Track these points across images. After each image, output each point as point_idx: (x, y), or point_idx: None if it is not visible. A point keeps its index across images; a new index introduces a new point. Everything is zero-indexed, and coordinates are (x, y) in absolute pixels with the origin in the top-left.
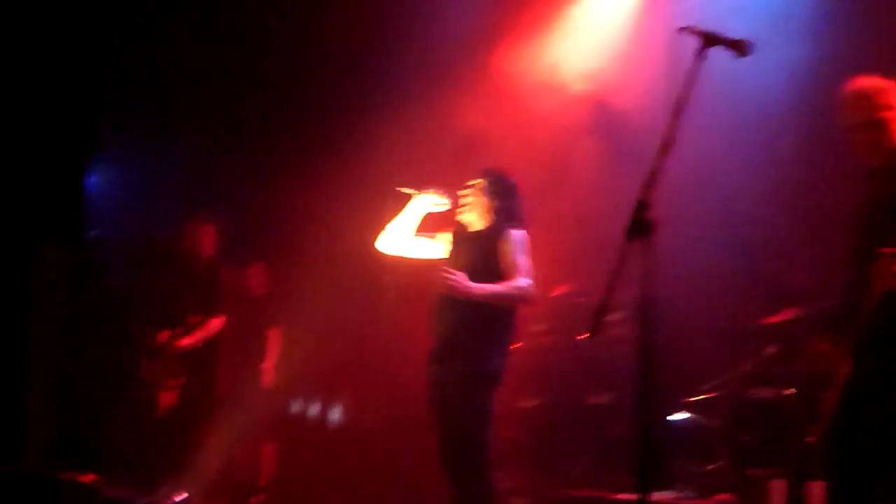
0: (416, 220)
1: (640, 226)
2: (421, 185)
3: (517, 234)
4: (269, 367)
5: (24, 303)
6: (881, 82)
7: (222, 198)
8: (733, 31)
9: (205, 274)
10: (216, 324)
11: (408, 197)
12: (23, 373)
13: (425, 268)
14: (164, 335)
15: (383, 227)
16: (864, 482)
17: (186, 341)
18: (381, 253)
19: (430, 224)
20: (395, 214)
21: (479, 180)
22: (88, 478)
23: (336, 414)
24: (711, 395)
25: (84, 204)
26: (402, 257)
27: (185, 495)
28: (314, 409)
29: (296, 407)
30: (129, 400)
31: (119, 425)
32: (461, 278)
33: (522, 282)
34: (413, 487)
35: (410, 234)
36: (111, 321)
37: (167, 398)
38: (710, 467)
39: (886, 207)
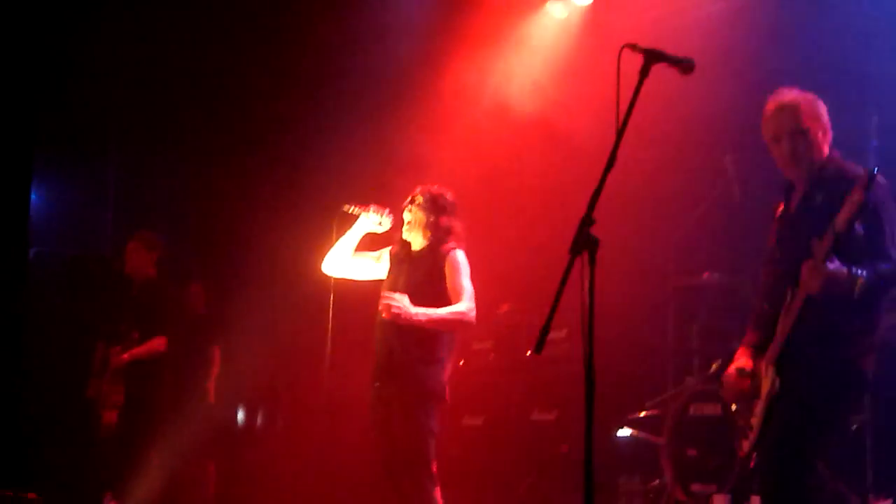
0: (357, 240)
1: (584, 242)
2: (364, 205)
3: (459, 257)
4: (212, 386)
5: None
6: (806, 95)
7: (164, 217)
8: (679, 50)
9: (146, 292)
10: (157, 342)
11: (352, 217)
12: None
13: (368, 287)
14: (107, 353)
15: (327, 248)
16: (794, 495)
17: (126, 357)
18: (325, 274)
19: (371, 243)
20: (338, 235)
21: (419, 197)
22: (30, 495)
23: (277, 424)
24: (655, 411)
25: (25, 222)
26: (345, 278)
27: None
28: (257, 421)
29: (238, 419)
30: (71, 417)
31: (61, 443)
32: (404, 304)
33: (464, 306)
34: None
35: (351, 254)
36: (52, 338)
37: (110, 416)
38: (654, 483)
39: (808, 218)
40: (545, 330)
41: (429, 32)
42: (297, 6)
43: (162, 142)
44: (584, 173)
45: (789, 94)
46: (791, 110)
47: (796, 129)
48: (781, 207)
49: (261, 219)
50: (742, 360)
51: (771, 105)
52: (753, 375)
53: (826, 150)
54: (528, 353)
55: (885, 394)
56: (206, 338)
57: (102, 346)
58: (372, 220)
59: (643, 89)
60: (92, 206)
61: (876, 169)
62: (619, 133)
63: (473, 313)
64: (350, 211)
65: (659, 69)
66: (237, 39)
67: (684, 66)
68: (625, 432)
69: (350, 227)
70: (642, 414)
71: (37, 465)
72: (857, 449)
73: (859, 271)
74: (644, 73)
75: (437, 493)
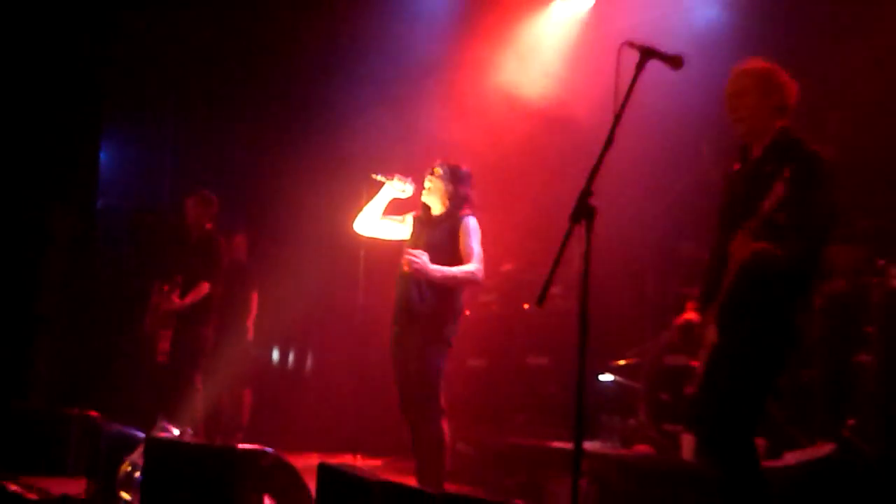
0: (384, 204)
1: (583, 210)
2: (389, 174)
3: (472, 223)
4: (251, 324)
5: (36, 262)
6: (768, 66)
7: (215, 175)
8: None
9: (203, 243)
10: (204, 287)
11: (379, 184)
12: (34, 323)
13: (393, 245)
14: (165, 294)
15: (358, 210)
16: (724, 442)
17: (182, 301)
18: (356, 233)
19: (396, 208)
20: (367, 199)
21: (439, 168)
22: (93, 414)
23: (308, 361)
24: (634, 360)
25: (94, 176)
26: (374, 237)
27: (178, 430)
28: (290, 358)
29: (273, 357)
30: (132, 350)
31: (123, 371)
32: (423, 261)
33: (474, 267)
34: (376, 427)
35: (379, 217)
36: (116, 279)
37: (164, 347)
38: (631, 422)
39: (756, 184)
40: (547, 284)
41: (451, 25)
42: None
43: (215, 110)
44: (584, 153)
45: (752, 62)
46: (745, 75)
47: (744, 91)
48: (736, 167)
49: (300, 180)
50: (690, 312)
51: (743, 67)
52: (699, 325)
53: (780, 121)
54: (526, 306)
55: (834, 351)
56: (247, 283)
57: (158, 289)
58: (396, 188)
59: (638, 81)
60: (152, 165)
61: (792, 168)
62: (617, 118)
63: (482, 273)
64: (377, 178)
65: (653, 64)
66: (286, 25)
67: (674, 61)
68: (607, 377)
69: (377, 192)
70: (622, 362)
71: (102, 389)
72: (807, 398)
73: (785, 251)
74: (640, 66)
75: (445, 422)
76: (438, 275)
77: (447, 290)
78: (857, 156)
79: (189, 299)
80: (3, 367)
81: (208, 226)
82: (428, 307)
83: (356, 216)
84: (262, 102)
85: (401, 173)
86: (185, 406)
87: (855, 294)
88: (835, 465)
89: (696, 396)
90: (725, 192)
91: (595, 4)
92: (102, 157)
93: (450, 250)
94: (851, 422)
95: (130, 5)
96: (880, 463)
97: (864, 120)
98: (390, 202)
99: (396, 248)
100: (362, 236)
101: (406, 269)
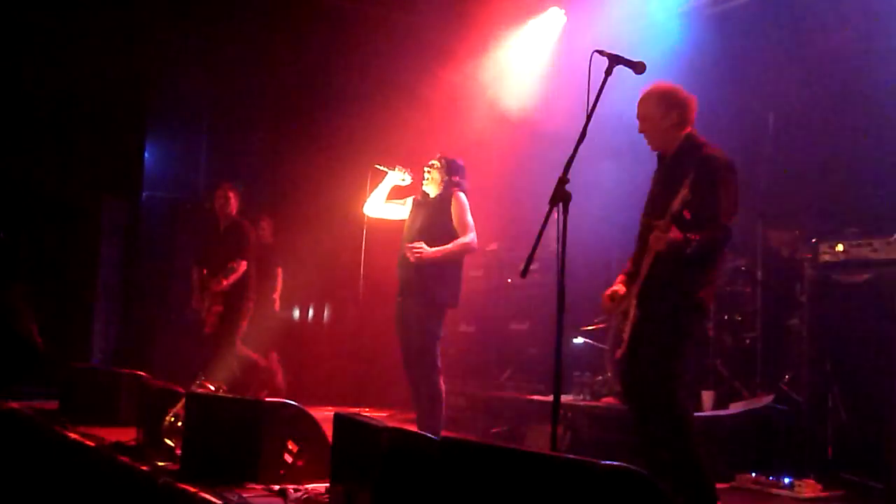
0: (387, 191)
1: (560, 195)
2: (391, 165)
3: (462, 197)
4: (277, 297)
5: (92, 246)
6: (664, 87)
7: (244, 169)
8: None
9: (233, 229)
10: (242, 265)
11: (382, 173)
12: (92, 297)
13: (393, 225)
14: (202, 274)
15: (364, 195)
16: (642, 405)
17: (225, 282)
18: (365, 215)
19: (399, 193)
20: (372, 186)
21: (437, 161)
22: (141, 373)
23: (323, 320)
24: (601, 325)
25: (140, 171)
26: (380, 218)
27: (214, 387)
28: (308, 317)
29: (294, 315)
30: (172, 319)
31: (162, 337)
32: (423, 248)
33: (468, 238)
34: (382, 384)
35: (383, 201)
36: (157, 262)
37: (210, 320)
38: (599, 378)
39: (668, 183)
40: (529, 259)
41: (443, 37)
42: (349, 16)
43: (243, 111)
44: (561, 147)
45: (651, 87)
46: (647, 99)
47: (648, 115)
48: (657, 173)
49: (316, 170)
50: (618, 285)
51: (648, 91)
52: (625, 297)
53: (683, 131)
54: (509, 280)
55: (772, 317)
56: (273, 261)
57: (198, 269)
58: (396, 177)
59: (608, 84)
60: (189, 160)
61: (694, 173)
62: (589, 116)
63: (475, 242)
64: (380, 168)
65: (620, 69)
66: (303, 37)
67: (638, 67)
68: (578, 340)
69: (381, 180)
70: (592, 327)
71: (148, 353)
72: (749, 356)
73: (693, 237)
74: (608, 71)
75: (441, 380)
76: (439, 255)
77: (443, 266)
78: (793, 150)
79: (232, 279)
80: (67, 335)
81: (234, 213)
82: (426, 279)
83: (363, 201)
84: (283, 104)
85: (401, 164)
86: (221, 366)
87: (790, 268)
88: (772, 413)
89: (622, 367)
90: (650, 190)
91: (567, 20)
92: (147, 154)
93: (445, 223)
94: (787, 377)
95: (172, 22)
96: (810, 410)
97: (797, 119)
98: (393, 188)
99: (396, 226)
100: (368, 217)
101: (411, 259)
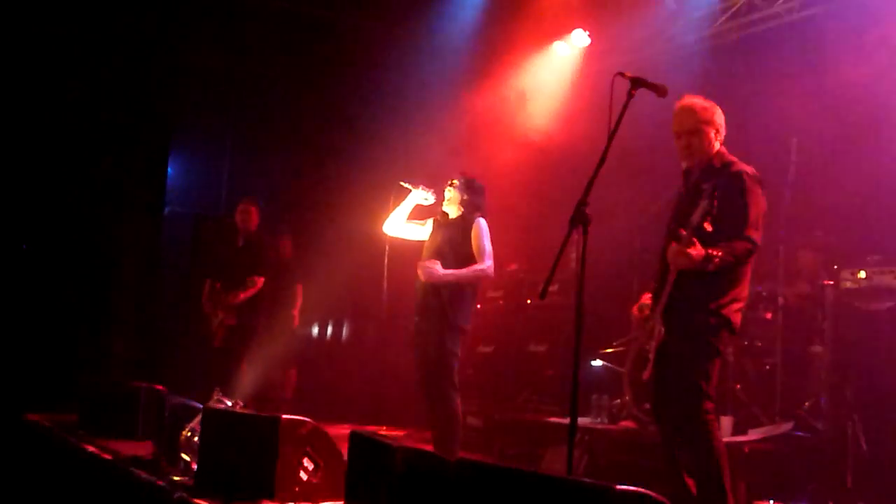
0: (409, 210)
1: (580, 217)
2: (415, 184)
3: (482, 224)
4: (296, 313)
5: (113, 261)
6: (705, 102)
7: (265, 186)
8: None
9: (252, 244)
10: (259, 281)
11: (406, 191)
12: (110, 312)
13: (415, 245)
14: (216, 286)
15: (386, 214)
16: (671, 426)
17: (242, 296)
18: (384, 234)
19: (419, 213)
20: (395, 203)
21: (456, 180)
22: (158, 387)
23: (341, 344)
24: (620, 348)
25: (162, 187)
26: (399, 238)
27: (230, 402)
28: (327, 334)
29: (313, 332)
30: (192, 333)
31: (181, 351)
32: (435, 269)
33: (485, 264)
34: (399, 403)
35: (404, 221)
36: (179, 274)
37: (222, 332)
38: (617, 401)
39: (696, 199)
40: (548, 282)
41: (467, 59)
42: (373, 37)
43: (265, 131)
44: (582, 170)
45: (690, 100)
46: (689, 112)
47: (692, 129)
48: (682, 188)
49: (336, 188)
50: (644, 300)
51: (677, 106)
52: (650, 315)
53: (716, 146)
54: (528, 301)
55: (793, 342)
56: (293, 278)
57: (211, 282)
58: (419, 196)
59: (629, 107)
60: (211, 177)
61: (716, 185)
62: (610, 138)
63: (492, 269)
64: (404, 185)
65: (642, 93)
66: (324, 57)
67: (660, 90)
68: (597, 362)
69: (403, 199)
70: (610, 349)
71: (167, 367)
72: (769, 382)
73: (715, 252)
74: (630, 94)
75: (458, 400)
76: (451, 278)
77: (460, 287)
78: (816, 175)
79: (249, 293)
80: (85, 348)
81: (254, 228)
82: (443, 301)
83: (384, 220)
84: (304, 122)
85: (424, 184)
86: (237, 382)
87: (812, 294)
88: (792, 440)
89: (651, 388)
90: (673, 209)
91: (590, 44)
92: (169, 170)
93: (464, 248)
94: (806, 403)
95: (196, 41)
96: (830, 438)
97: (820, 145)
98: (415, 209)
99: (417, 246)
100: (388, 236)
101: (422, 279)
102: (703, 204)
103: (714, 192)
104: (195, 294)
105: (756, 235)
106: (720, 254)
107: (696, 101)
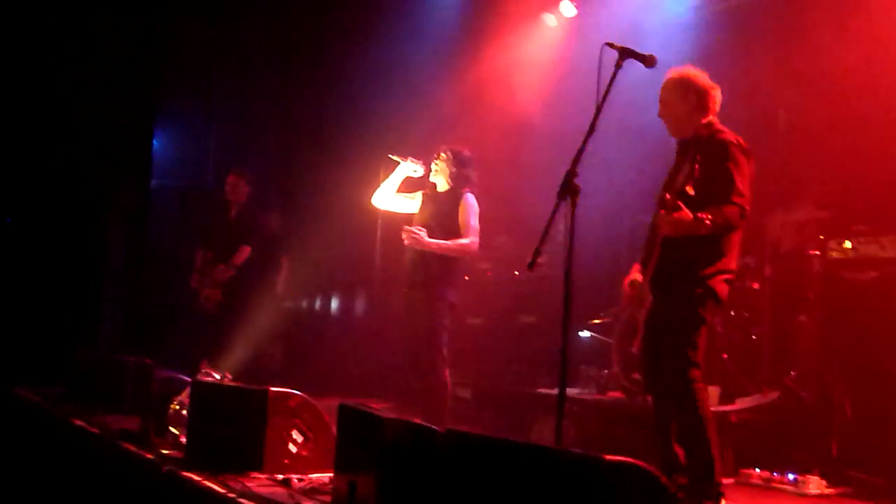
0: (399, 182)
1: (569, 188)
2: (403, 156)
3: (470, 199)
4: (280, 282)
5: (101, 234)
6: (687, 74)
7: (252, 159)
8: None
9: (243, 216)
10: (246, 251)
11: (394, 163)
12: (100, 285)
13: (404, 217)
14: (209, 260)
15: (375, 187)
16: (662, 394)
17: (228, 271)
18: (374, 206)
19: (409, 186)
20: (385, 176)
21: (444, 153)
22: (146, 361)
23: (330, 317)
24: (608, 319)
25: (149, 159)
26: (388, 210)
27: (219, 375)
28: (316, 310)
29: (304, 304)
30: (180, 306)
31: (170, 324)
32: (420, 235)
33: (469, 240)
34: (388, 375)
35: (393, 193)
36: (167, 246)
37: (208, 305)
38: (605, 372)
39: (678, 166)
40: (537, 253)
41: (455, 31)
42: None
43: (252, 101)
44: (570, 139)
45: (673, 72)
46: (668, 84)
47: (667, 100)
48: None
49: (325, 161)
50: (634, 273)
51: (668, 78)
52: (642, 284)
53: (703, 118)
54: (517, 273)
55: (779, 313)
56: (278, 250)
57: (202, 252)
58: (409, 168)
59: (618, 78)
60: (198, 149)
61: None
62: (598, 109)
63: (476, 245)
64: (393, 158)
65: (632, 64)
66: (312, 28)
67: (648, 60)
68: (585, 333)
69: (393, 171)
70: (599, 320)
71: (155, 340)
72: (756, 352)
73: (705, 215)
74: (618, 65)
75: (446, 372)
76: (433, 246)
77: (449, 259)
78: (804, 147)
79: (237, 260)
80: (73, 322)
81: (244, 200)
82: (433, 274)
83: (374, 192)
84: (292, 93)
85: (413, 156)
86: (225, 354)
87: (798, 264)
88: (779, 409)
89: (641, 357)
90: (665, 177)
91: (577, 14)
92: (155, 143)
93: (451, 222)
94: (793, 373)
95: (183, 15)
96: (817, 407)
97: (807, 116)
98: (404, 181)
99: (408, 220)
100: (379, 209)
101: (406, 242)
102: (686, 168)
103: (696, 157)
104: (184, 266)
105: (743, 201)
106: (710, 216)
107: (679, 73)
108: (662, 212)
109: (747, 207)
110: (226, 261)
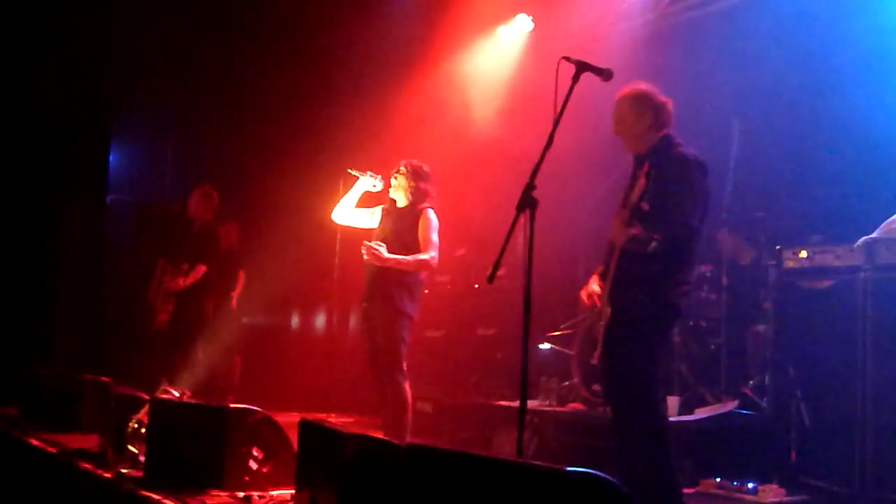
0: (357, 197)
1: (527, 201)
2: (362, 171)
3: (430, 214)
4: (235, 295)
5: (56, 249)
6: (638, 91)
7: (210, 173)
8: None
9: (205, 231)
10: (201, 270)
11: (353, 178)
12: (55, 301)
13: (363, 233)
14: (168, 273)
15: (335, 201)
16: (620, 407)
17: (182, 283)
18: (333, 222)
19: (369, 200)
20: (344, 191)
21: (403, 167)
22: (104, 378)
23: (290, 332)
24: (568, 331)
25: (104, 174)
26: (348, 226)
27: (178, 392)
28: (275, 326)
29: (262, 319)
30: (134, 322)
31: (126, 341)
32: (379, 251)
33: (429, 255)
34: (348, 390)
35: (352, 208)
36: (122, 263)
37: (163, 319)
38: (566, 384)
39: (634, 181)
40: (496, 265)
41: (412, 44)
42: (317, 21)
43: (209, 115)
44: (528, 152)
45: (626, 90)
46: (622, 102)
47: (622, 118)
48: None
49: (284, 174)
50: (591, 284)
51: (623, 94)
52: (600, 296)
53: (657, 134)
54: (477, 285)
55: (736, 323)
56: (235, 264)
57: (161, 267)
58: (367, 182)
59: (575, 92)
60: (154, 164)
61: (655, 165)
62: (556, 122)
63: (435, 261)
64: (352, 173)
65: (588, 77)
66: (272, 42)
67: (605, 74)
68: (545, 345)
69: (352, 186)
70: (558, 332)
71: (111, 357)
72: (714, 361)
73: (654, 234)
74: (575, 78)
75: (407, 385)
76: (392, 262)
77: (408, 273)
78: (758, 156)
79: (190, 280)
80: (27, 340)
81: (209, 217)
82: (392, 287)
83: (333, 207)
84: (250, 108)
85: (372, 171)
86: (182, 370)
87: (755, 275)
88: (737, 419)
89: (600, 370)
90: (624, 191)
91: (534, 28)
92: (111, 158)
93: (411, 238)
94: (751, 382)
95: (137, 25)
96: (774, 415)
97: (761, 126)
98: (363, 196)
99: (367, 235)
100: (338, 225)
101: (365, 258)
102: (640, 183)
103: (651, 172)
104: (141, 281)
105: (693, 220)
106: (658, 237)
107: (632, 90)
108: (615, 223)
109: (694, 226)
110: (184, 275)
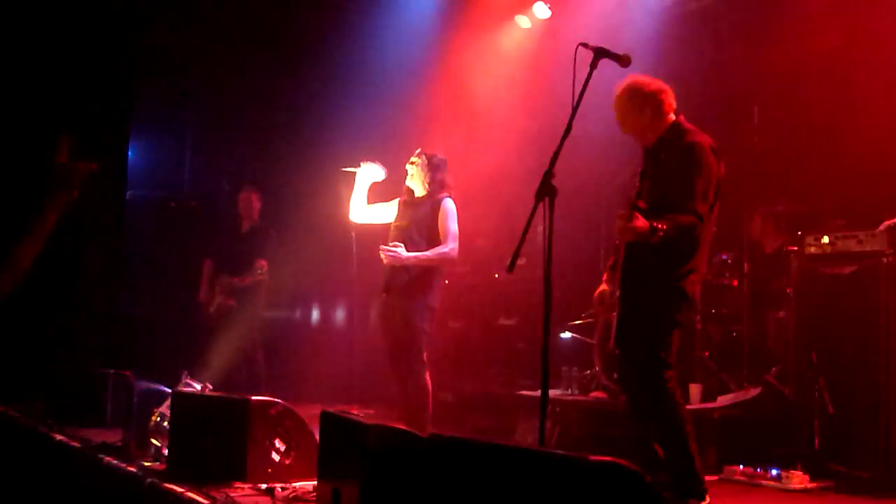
0: (365, 191)
1: (546, 189)
2: (358, 161)
3: (449, 204)
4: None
5: (76, 247)
6: (637, 83)
7: (228, 169)
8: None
9: (257, 231)
10: (265, 266)
11: (353, 174)
12: (75, 299)
13: (381, 227)
14: (215, 270)
15: (348, 203)
16: (635, 395)
17: (250, 279)
18: (353, 223)
19: (385, 194)
20: (349, 191)
21: (417, 157)
22: (126, 373)
23: (311, 326)
24: (589, 319)
25: (123, 170)
26: (367, 223)
27: (201, 386)
28: (298, 313)
29: (283, 313)
30: (159, 316)
31: (150, 337)
32: (398, 251)
33: (448, 247)
34: (369, 381)
35: (365, 204)
36: (142, 260)
37: (218, 314)
38: (587, 372)
39: (653, 172)
40: (516, 254)
41: (427, 34)
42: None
43: (228, 113)
44: (547, 140)
45: (619, 87)
46: (618, 101)
47: (623, 116)
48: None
49: (303, 170)
50: (603, 284)
51: (626, 86)
52: (612, 292)
53: (664, 122)
54: (496, 275)
55: (757, 310)
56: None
57: (210, 264)
58: (367, 173)
59: (593, 78)
60: (173, 160)
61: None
62: (574, 109)
63: (455, 252)
64: (346, 170)
65: (607, 64)
66: (288, 43)
67: (623, 60)
68: (566, 334)
69: (356, 183)
70: (579, 321)
71: (134, 352)
72: (736, 348)
73: (659, 224)
74: (593, 64)
75: (427, 375)
76: (413, 260)
77: (427, 267)
78: (779, 143)
79: (250, 277)
80: (49, 336)
81: (256, 216)
82: (412, 279)
83: (349, 209)
84: (269, 102)
85: (367, 160)
86: (209, 365)
87: (776, 260)
88: (760, 405)
89: (615, 355)
90: (637, 181)
91: (551, 16)
92: (130, 154)
93: (431, 228)
94: (774, 369)
95: (159, 22)
96: (797, 402)
97: (782, 113)
98: (380, 189)
99: (385, 228)
100: (356, 224)
101: (384, 261)
102: (650, 171)
103: (659, 162)
104: (162, 277)
105: (702, 208)
106: (664, 227)
107: (626, 86)
108: (619, 221)
109: (704, 215)
110: (239, 274)
